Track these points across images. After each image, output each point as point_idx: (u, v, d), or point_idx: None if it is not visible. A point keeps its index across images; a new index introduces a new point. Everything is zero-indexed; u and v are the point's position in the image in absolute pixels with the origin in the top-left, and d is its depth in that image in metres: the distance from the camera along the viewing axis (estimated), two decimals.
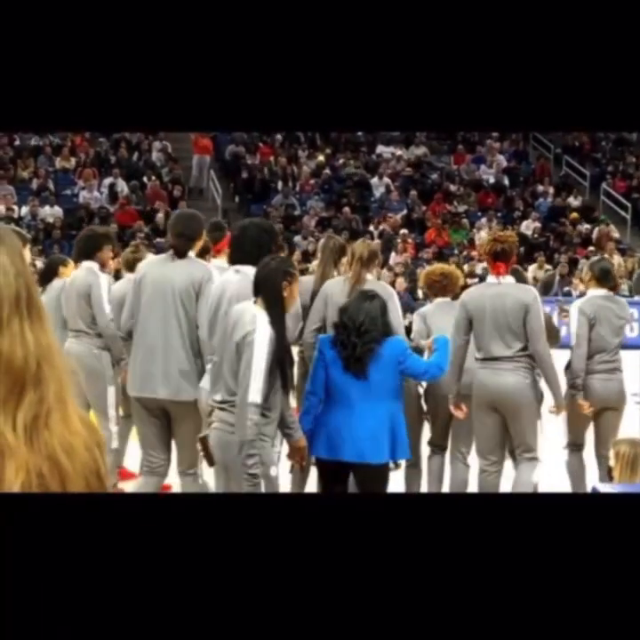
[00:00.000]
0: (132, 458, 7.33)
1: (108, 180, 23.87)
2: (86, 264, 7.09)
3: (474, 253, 21.18)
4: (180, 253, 5.69)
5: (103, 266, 7.11)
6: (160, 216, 22.34)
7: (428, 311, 6.65)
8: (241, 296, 4.95)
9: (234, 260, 5.31)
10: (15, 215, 21.68)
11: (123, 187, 23.71)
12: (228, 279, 5.28)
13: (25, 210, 22.34)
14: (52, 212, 22.34)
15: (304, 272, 7.25)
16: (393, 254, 21.50)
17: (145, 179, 24.31)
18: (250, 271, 4.97)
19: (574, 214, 24.79)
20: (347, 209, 23.56)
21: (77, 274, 7.16)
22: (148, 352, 5.63)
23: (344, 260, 6.48)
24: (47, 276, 8.16)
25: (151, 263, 6.03)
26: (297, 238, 22.33)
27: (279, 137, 26.94)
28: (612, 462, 5.07)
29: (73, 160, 24.66)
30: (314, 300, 6.30)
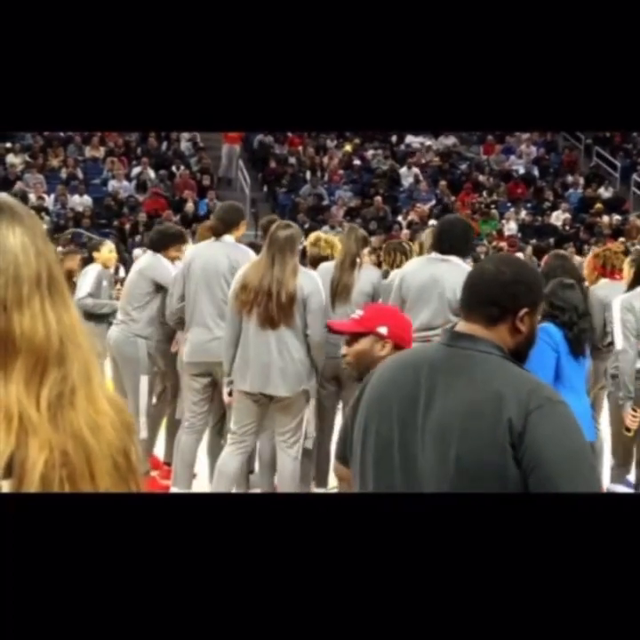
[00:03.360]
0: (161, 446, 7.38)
1: (136, 170, 23.96)
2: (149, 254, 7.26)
3: (502, 244, 21.06)
4: (217, 234, 6.52)
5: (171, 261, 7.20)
6: (189, 205, 22.39)
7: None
8: (454, 282, 5.51)
9: (443, 250, 5.84)
10: (45, 204, 21.81)
11: (151, 175, 23.80)
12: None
13: (53, 198, 22.47)
14: (81, 201, 22.45)
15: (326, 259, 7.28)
16: None
17: (174, 168, 24.37)
18: (457, 261, 5.78)
19: (599, 205, 24.60)
20: (378, 198, 23.48)
21: (143, 260, 7.33)
22: (201, 329, 6.41)
23: (366, 250, 6.69)
24: (86, 261, 8.56)
25: (198, 248, 6.70)
26: (325, 228, 22.33)
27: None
28: None
29: (102, 149, 24.77)
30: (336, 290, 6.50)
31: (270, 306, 5.81)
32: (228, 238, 6.50)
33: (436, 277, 5.80)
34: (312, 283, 5.94)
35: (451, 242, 5.82)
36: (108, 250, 8.49)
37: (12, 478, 1.15)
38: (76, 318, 1.25)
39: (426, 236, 6.77)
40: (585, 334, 5.47)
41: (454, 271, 5.65)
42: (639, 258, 6.59)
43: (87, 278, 8.21)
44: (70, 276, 8.43)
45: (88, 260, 8.65)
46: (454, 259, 5.82)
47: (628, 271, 6.60)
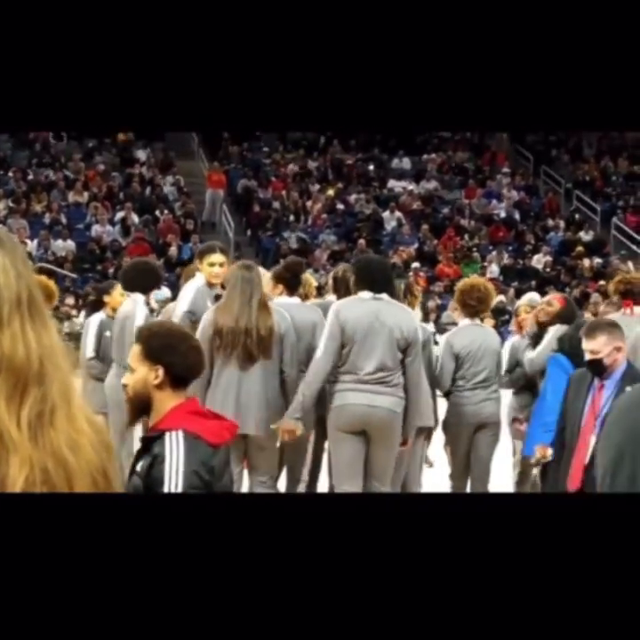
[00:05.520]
0: None
1: (120, 214, 24.02)
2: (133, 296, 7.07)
3: None
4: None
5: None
6: (173, 249, 22.44)
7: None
8: (397, 321, 5.94)
9: (377, 289, 5.97)
10: (28, 248, 21.81)
11: (135, 220, 23.86)
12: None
13: (36, 243, 22.47)
14: (64, 246, 22.48)
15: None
16: None
17: (157, 212, 24.46)
18: (389, 299, 6.01)
19: (580, 249, 24.81)
20: (361, 241, 23.61)
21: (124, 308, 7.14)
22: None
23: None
24: (95, 305, 8.17)
25: None
26: (309, 271, 22.39)
27: (291, 171, 27.11)
28: None
29: (86, 194, 24.84)
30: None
31: (249, 344, 5.82)
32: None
33: (379, 318, 5.92)
34: (285, 320, 5.99)
35: (384, 280, 6.05)
36: (119, 293, 7.63)
37: None
38: (55, 339, 1.27)
39: (342, 273, 6.77)
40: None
41: (394, 310, 5.98)
42: None
43: (89, 334, 7.79)
44: None
45: (97, 304, 8.15)
46: (387, 297, 6.01)
47: None
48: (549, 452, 6.23)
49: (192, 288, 6.63)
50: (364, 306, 5.97)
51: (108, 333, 7.59)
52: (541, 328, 6.86)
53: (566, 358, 6.22)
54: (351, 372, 5.92)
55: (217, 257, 6.65)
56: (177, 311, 6.57)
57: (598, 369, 5.32)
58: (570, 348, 6.23)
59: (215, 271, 6.59)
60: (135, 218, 23.99)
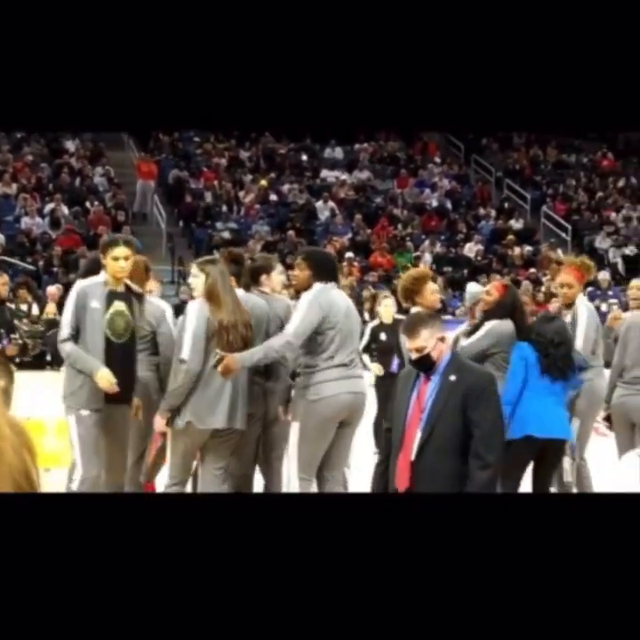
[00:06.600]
0: None
1: (49, 206, 23.68)
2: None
3: None
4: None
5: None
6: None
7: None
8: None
9: (330, 279, 6.24)
10: None
11: (65, 212, 23.54)
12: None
13: None
14: None
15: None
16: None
17: (87, 204, 24.15)
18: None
19: (511, 237, 25.14)
20: (291, 232, 23.62)
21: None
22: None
23: (262, 277, 6.80)
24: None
25: None
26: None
27: (223, 162, 26.98)
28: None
29: (14, 186, 24.42)
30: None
31: (246, 338, 6.04)
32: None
33: (347, 304, 6.33)
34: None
35: (334, 271, 6.42)
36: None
37: None
38: None
39: (278, 264, 7.08)
40: (561, 361, 6.53)
41: (346, 296, 6.51)
42: None
43: None
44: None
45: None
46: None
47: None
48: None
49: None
50: (335, 294, 6.22)
51: None
52: (486, 317, 6.94)
53: (530, 346, 6.53)
54: (335, 359, 6.04)
55: (121, 250, 6.27)
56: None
57: (427, 365, 5.11)
58: (536, 335, 6.56)
59: (120, 265, 6.26)
60: (65, 209, 23.66)
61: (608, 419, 7.15)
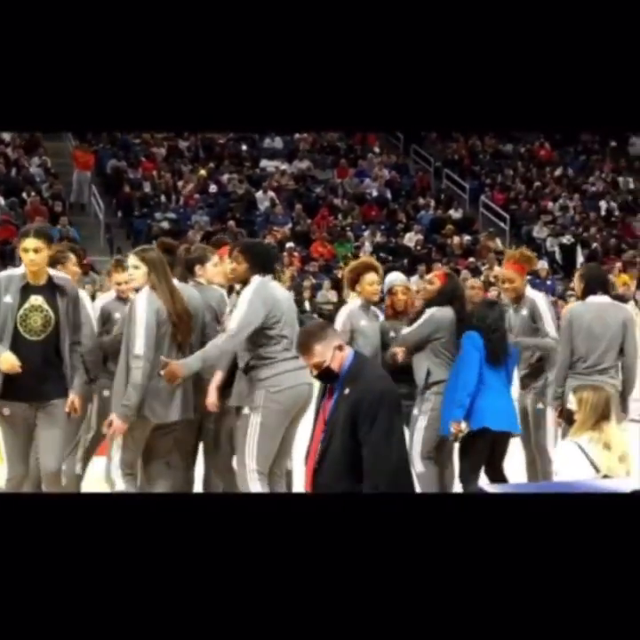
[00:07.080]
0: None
1: None
2: None
3: None
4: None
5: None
6: None
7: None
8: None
9: (271, 272, 6.20)
10: None
11: (1, 202, 23.14)
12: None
13: None
14: None
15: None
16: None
17: (24, 194, 23.76)
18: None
19: (450, 226, 25.29)
20: (231, 222, 23.49)
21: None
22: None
23: (197, 268, 6.60)
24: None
25: None
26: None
27: (162, 151, 26.72)
28: (574, 407, 5.52)
29: None
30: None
31: (183, 328, 5.96)
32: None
33: (288, 297, 6.37)
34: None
35: (272, 263, 6.36)
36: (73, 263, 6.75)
37: None
38: None
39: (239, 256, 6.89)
40: (497, 347, 6.55)
41: (285, 291, 6.48)
42: (587, 273, 7.18)
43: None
44: None
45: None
46: None
47: (577, 285, 7.17)
48: (463, 425, 6.40)
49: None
50: (273, 286, 6.17)
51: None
52: (427, 305, 6.90)
53: (478, 334, 6.53)
54: (292, 350, 5.95)
55: (29, 242, 5.75)
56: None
57: (330, 377, 5.03)
58: (477, 320, 6.57)
59: (29, 257, 5.76)
60: (1, 200, 23.25)
61: (561, 414, 6.80)
